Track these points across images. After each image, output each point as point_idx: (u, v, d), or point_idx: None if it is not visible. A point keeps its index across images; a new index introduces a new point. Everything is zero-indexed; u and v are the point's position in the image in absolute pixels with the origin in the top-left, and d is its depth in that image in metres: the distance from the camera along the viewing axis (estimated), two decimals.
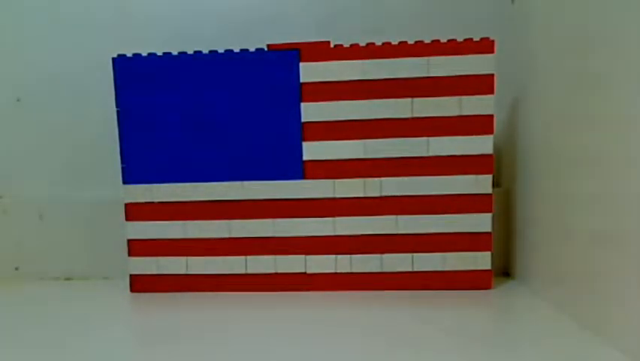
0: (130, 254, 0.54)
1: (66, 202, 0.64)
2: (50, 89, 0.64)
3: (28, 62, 0.65)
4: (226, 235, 0.53)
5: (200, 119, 0.52)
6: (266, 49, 0.51)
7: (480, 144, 0.50)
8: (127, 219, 0.54)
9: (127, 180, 0.53)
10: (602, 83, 0.35)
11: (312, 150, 0.51)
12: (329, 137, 0.51)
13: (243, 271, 0.53)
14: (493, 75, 0.49)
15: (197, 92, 0.52)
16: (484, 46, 0.49)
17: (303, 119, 0.51)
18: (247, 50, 0.51)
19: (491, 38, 0.49)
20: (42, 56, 0.64)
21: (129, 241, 0.54)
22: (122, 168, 0.53)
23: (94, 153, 0.64)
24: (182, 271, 0.54)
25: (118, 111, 0.53)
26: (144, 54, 0.54)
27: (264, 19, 0.61)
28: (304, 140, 0.51)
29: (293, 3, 0.61)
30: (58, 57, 0.64)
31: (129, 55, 0.53)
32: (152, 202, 0.53)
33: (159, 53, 0.58)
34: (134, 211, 0.54)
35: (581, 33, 0.39)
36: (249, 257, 0.53)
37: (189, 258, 0.54)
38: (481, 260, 0.51)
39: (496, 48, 0.49)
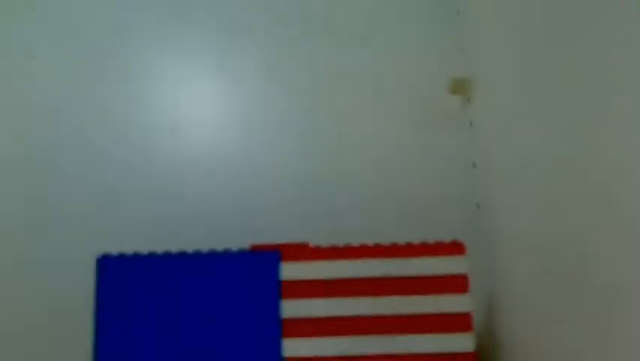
0: None
1: None
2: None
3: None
4: None
5: (177, 321, 0.51)
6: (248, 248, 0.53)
7: (460, 342, 0.50)
8: None
9: None
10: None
11: (292, 347, 0.50)
12: (310, 334, 0.51)
13: None
14: (465, 275, 0.51)
15: (178, 293, 0.52)
16: (455, 248, 0.52)
17: (282, 316, 0.51)
18: (230, 249, 0.53)
19: (460, 240, 0.52)
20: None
21: None
22: None
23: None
24: None
25: (96, 311, 0.52)
26: (128, 252, 0.55)
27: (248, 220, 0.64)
28: (284, 336, 0.50)
29: (276, 207, 0.65)
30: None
31: (114, 253, 0.54)
32: None
33: (143, 252, 0.59)
34: None
35: (548, 234, 0.42)
36: None
37: None
38: None
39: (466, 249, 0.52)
